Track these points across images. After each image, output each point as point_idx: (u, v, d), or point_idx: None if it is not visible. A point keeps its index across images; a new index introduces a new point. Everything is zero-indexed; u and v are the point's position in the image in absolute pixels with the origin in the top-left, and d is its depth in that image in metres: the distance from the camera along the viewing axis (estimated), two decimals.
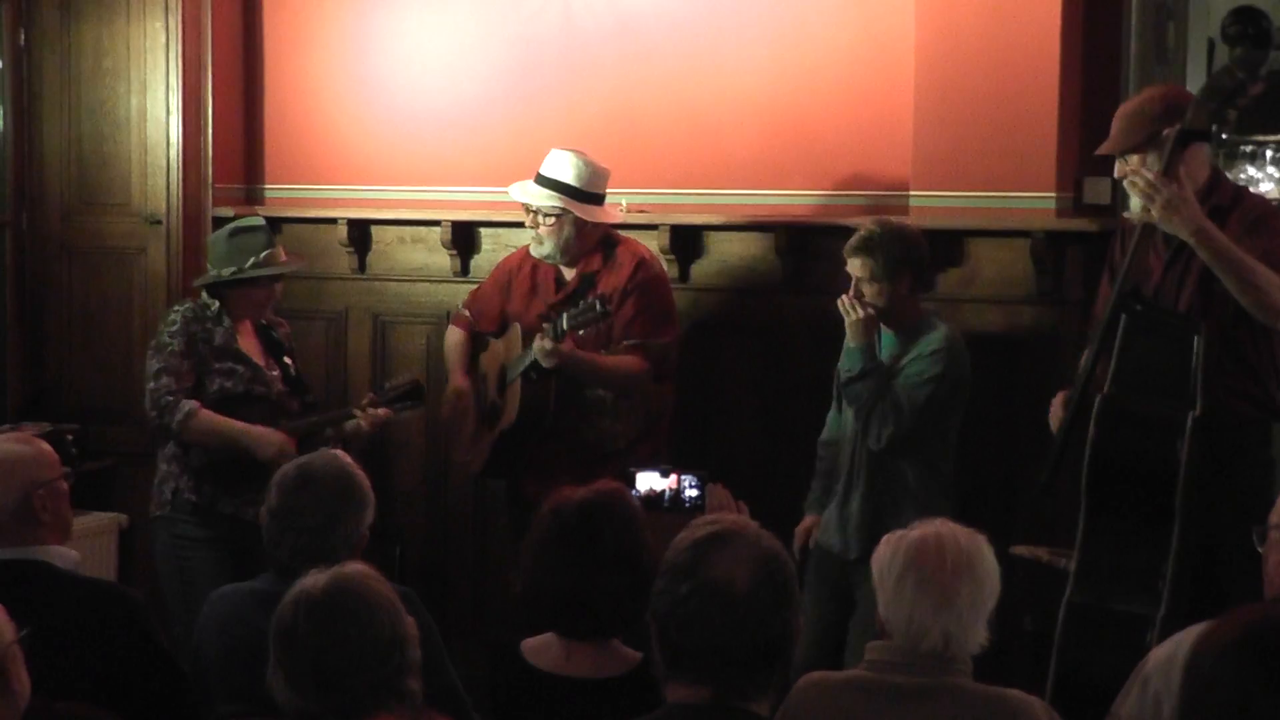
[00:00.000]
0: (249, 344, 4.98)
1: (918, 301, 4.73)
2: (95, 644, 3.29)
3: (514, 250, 5.34)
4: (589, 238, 5.00)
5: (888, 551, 2.91)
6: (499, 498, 5.70)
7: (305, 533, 3.35)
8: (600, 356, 4.90)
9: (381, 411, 4.98)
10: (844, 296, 4.63)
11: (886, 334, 4.67)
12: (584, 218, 4.95)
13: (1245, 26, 4.00)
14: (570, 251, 5.00)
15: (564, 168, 4.97)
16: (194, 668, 3.45)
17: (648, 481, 3.60)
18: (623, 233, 5.16)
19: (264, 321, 5.05)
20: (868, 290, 4.63)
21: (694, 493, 3.54)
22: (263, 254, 4.91)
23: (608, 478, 3.41)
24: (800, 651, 4.61)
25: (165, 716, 3.36)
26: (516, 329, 5.05)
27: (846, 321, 4.59)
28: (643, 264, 4.99)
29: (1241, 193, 4.32)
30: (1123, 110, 4.31)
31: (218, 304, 4.92)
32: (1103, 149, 4.32)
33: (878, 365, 4.59)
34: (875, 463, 4.64)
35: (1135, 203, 4.21)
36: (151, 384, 4.85)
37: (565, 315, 4.72)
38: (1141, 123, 4.22)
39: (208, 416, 4.80)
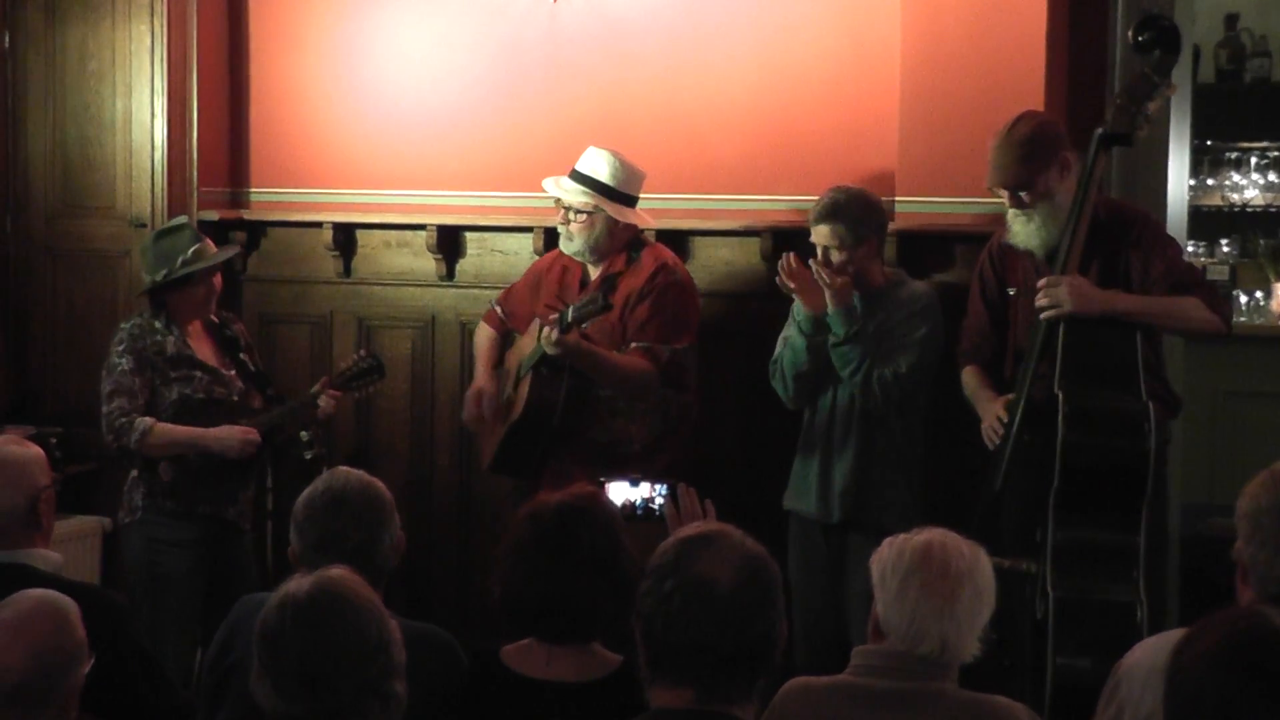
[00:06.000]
0: (202, 347, 4.96)
1: (882, 263, 4.80)
2: None
3: (543, 254, 5.37)
4: (618, 238, 4.97)
5: (891, 553, 2.90)
6: (485, 503, 5.70)
7: (352, 554, 3.16)
8: (609, 353, 4.87)
9: (333, 394, 5.02)
10: (813, 262, 4.65)
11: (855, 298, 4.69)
12: (616, 217, 4.93)
13: (1154, 34, 4.20)
14: (599, 250, 4.97)
15: (600, 165, 4.95)
16: (212, 667, 3.36)
17: (619, 492, 3.61)
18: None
19: (214, 319, 5.02)
20: (836, 257, 4.66)
21: (664, 502, 3.55)
22: (190, 251, 4.86)
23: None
24: (803, 623, 4.67)
25: None
26: (536, 324, 4.98)
27: (827, 292, 4.60)
28: (664, 268, 4.94)
29: (1115, 206, 4.47)
30: (1016, 138, 4.35)
31: (164, 314, 4.89)
32: (996, 183, 4.38)
33: (862, 325, 4.62)
34: (863, 426, 4.66)
35: (1018, 228, 4.33)
36: (105, 408, 4.81)
37: (571, 308, 4.72)
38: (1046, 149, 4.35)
39: (164, 429, 4.78)
